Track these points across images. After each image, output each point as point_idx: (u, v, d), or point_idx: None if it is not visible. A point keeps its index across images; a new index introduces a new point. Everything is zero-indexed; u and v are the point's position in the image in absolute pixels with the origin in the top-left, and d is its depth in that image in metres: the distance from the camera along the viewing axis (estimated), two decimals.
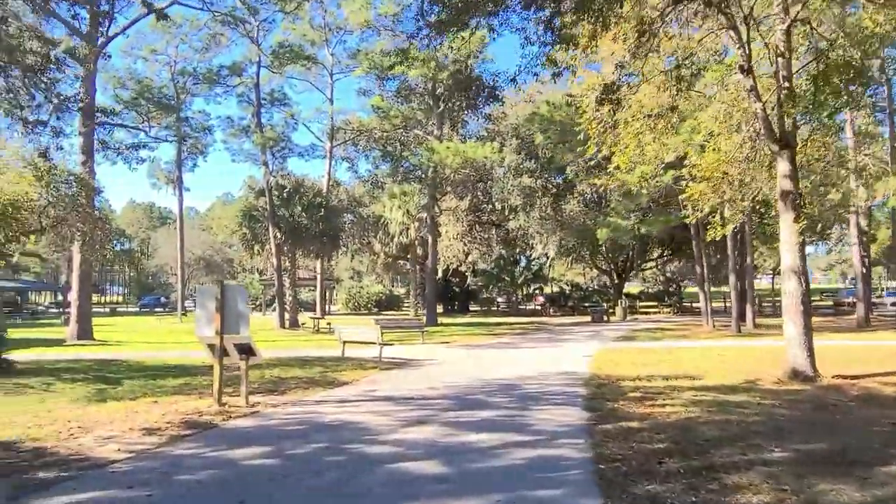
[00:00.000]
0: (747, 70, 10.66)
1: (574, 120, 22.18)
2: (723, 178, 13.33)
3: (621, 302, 36.85)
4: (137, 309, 64.61)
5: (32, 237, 12.28)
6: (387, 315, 45.94)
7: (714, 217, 14.50)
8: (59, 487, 5.03)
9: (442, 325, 31.21)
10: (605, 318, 33.50)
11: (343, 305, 54.09)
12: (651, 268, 53.30)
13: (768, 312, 33.35)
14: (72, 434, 7.04)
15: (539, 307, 48.12)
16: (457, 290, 53.01)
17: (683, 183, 15.35)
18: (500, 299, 53.22)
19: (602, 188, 34.52)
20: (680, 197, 17.44)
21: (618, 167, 14.66)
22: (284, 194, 31.94)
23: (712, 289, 71.16)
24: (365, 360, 14.84)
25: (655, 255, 45.60)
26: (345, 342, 15.84)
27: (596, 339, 21.29)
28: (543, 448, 6.19)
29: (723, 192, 13.80)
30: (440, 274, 40.95)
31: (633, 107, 12.32)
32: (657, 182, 19.49)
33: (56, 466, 5.68)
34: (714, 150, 13.30)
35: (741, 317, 23.70)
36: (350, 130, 39.02)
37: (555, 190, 38.39)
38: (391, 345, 15.59)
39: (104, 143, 27.55)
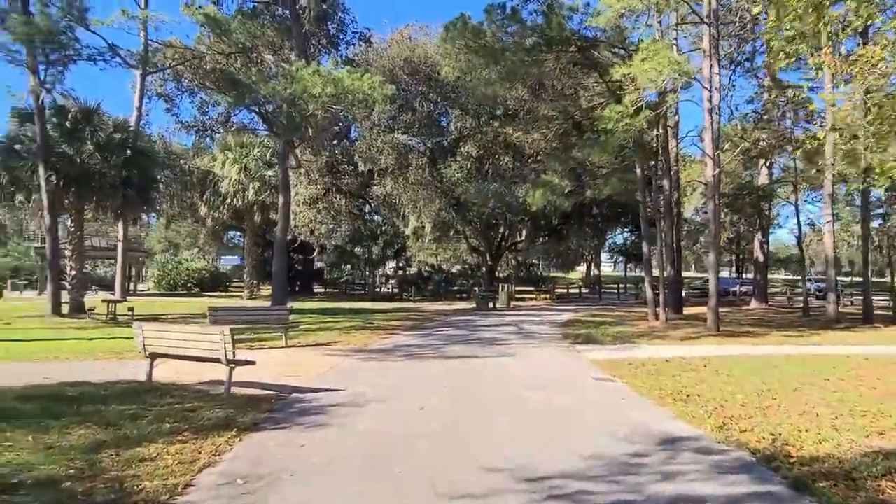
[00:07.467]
0: None
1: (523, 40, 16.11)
2: None
3: (506, 287, 31.85)
4: None
5: None
6: (214, 297, 36.68)
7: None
8: None
9: (293, 312, 23.57)
10: (492, 305, 28.25)
11: (155, 284, 43.11)
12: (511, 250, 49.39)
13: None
14: None
15: (395, 291, 41.86)
16: (299, 267, 44.94)
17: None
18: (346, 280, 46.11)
19: (496, 144, 29.38)
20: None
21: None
22: (68, 123, 22.09)
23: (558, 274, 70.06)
24: (194, 393, 7.49)
25: (524, 234, 41.40)
26: (153, 355, 8.24)
27: (529, 338, 15.52)
28: None
29: None
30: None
31: None
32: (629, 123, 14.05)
33: None
34: None
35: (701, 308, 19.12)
36: (172, 56, 29.26)
37: (429, 153, 32.36)
38: (251, 363, 8.15)
39: None
